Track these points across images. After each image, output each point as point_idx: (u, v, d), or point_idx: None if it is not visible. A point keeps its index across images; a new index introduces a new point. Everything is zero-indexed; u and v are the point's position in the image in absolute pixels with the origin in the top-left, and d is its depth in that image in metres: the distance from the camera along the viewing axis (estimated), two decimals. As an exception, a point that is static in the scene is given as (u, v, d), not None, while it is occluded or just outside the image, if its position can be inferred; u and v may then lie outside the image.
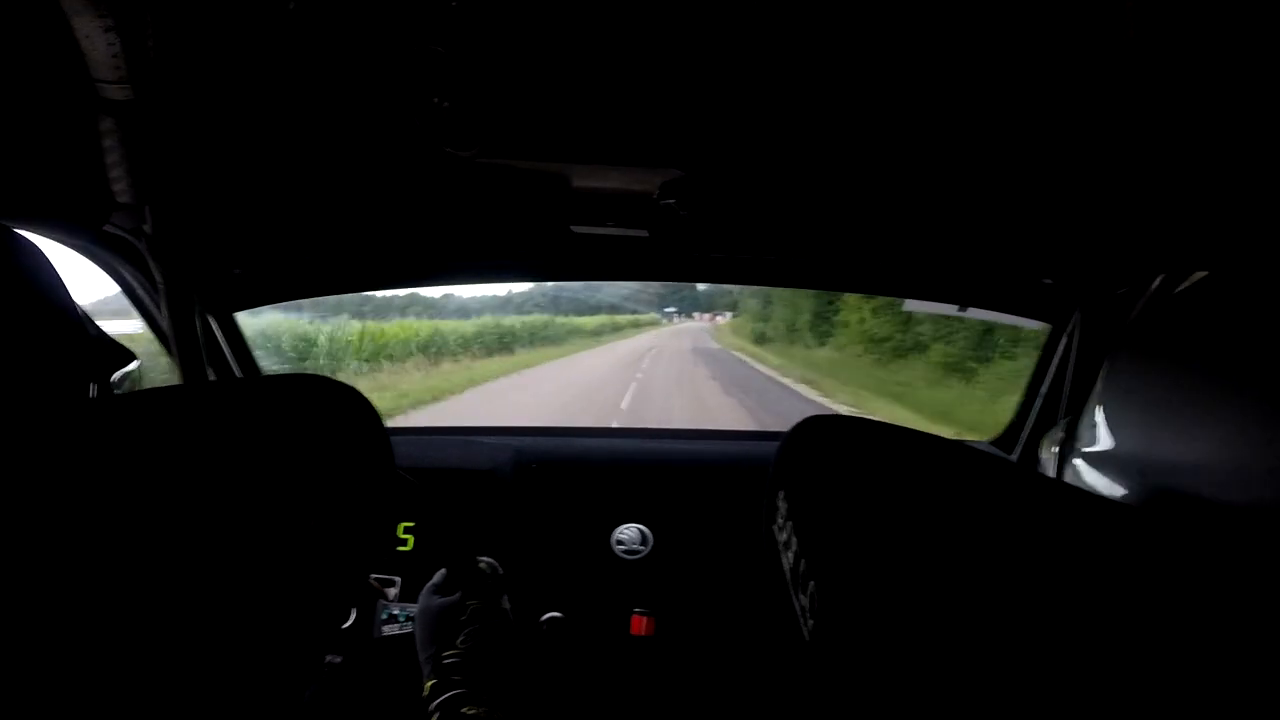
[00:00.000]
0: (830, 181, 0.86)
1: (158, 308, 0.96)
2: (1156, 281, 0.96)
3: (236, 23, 0.60)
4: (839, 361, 14.18)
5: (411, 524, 1.12)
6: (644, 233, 0.92)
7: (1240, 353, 0.32)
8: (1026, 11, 0.55)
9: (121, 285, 1.00)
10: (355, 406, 0.39)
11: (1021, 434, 1.30)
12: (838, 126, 0.74)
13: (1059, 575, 0.27)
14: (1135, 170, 0.74)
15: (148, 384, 0.82)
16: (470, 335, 15.91)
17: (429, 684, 0.70)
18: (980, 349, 9.49)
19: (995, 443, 1.39)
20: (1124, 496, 0.38)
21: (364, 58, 0.65)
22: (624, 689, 1.10)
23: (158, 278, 0.88)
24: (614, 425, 6.74)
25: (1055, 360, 1.21)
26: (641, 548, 1.15)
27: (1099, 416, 0.41)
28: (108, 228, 0.82)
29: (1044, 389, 1.24)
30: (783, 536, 0.35)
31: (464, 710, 0.65)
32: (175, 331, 0.92)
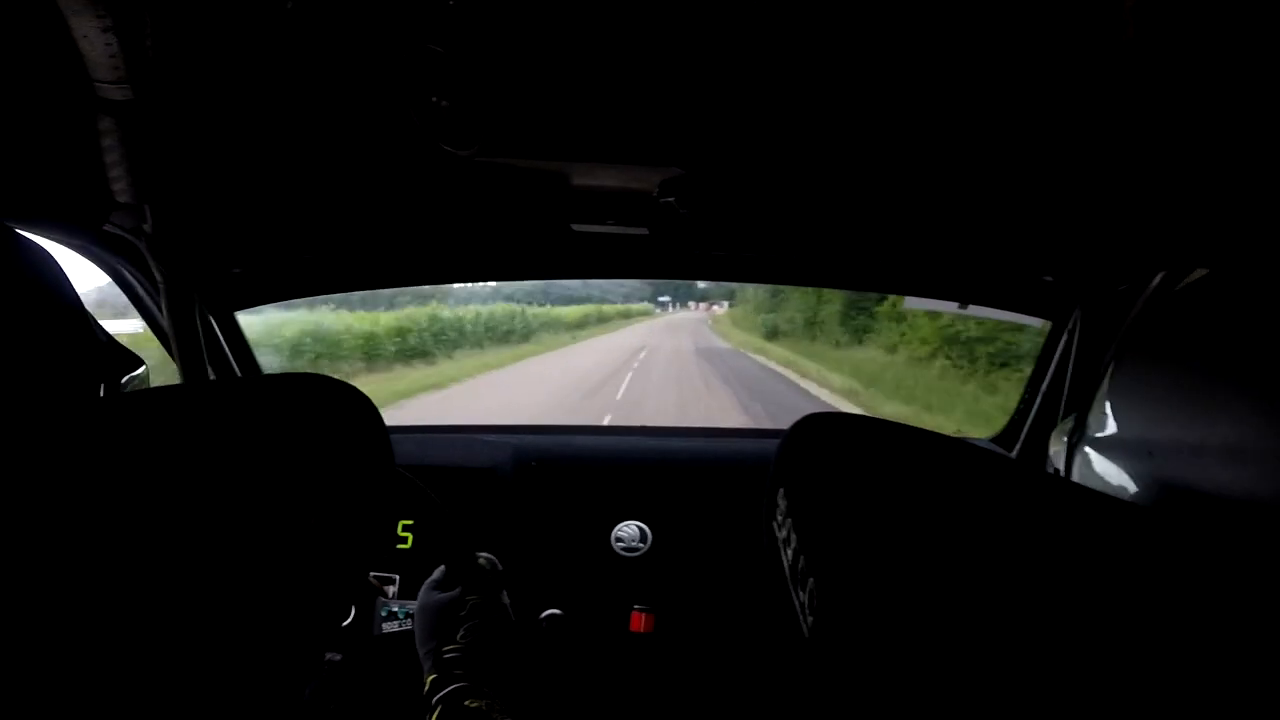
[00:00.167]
0: (830, 179, 0.86)
1: (158, 307, 0.96)
2: (1157, 279, 0.96)
3: (235, 22, 0.60)
4: (898, 369, 9.98)
5: (411, 522, 1.12)
6: (644, 231, 0.92)
7: (1243, 348, 0.33)
8: (1026, 9, 0.55)
9: (121, 285, 1.00)
10: (355, 405, 0.39)
11: (1022, 431, 1.31)
12: (837, 124, 0.74)
13: (1059, 572, 0.27)
14: (1135, 167, 0.74)
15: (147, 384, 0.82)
16: (382, 335, 10.95)
17: (430, 678, 0.70)
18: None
19: (995, 440, 1.40)
20: (1133, 485, 0.38)
21: (362, 56, 0.65)
22: (624, 686, 1.10)
23: (158, 277, 0.88)
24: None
25: (1056, 357, 1.21)
26: (641, 545, 1.15)
27: (1108, 408, 0.41)
28: (108, 227, 0.82)
29: (1044, 386, 1.24)
30: (782, 534, 0.35)
31: (466, 703, 0.65)
32: (176, 331, 0.93)
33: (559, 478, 1.19)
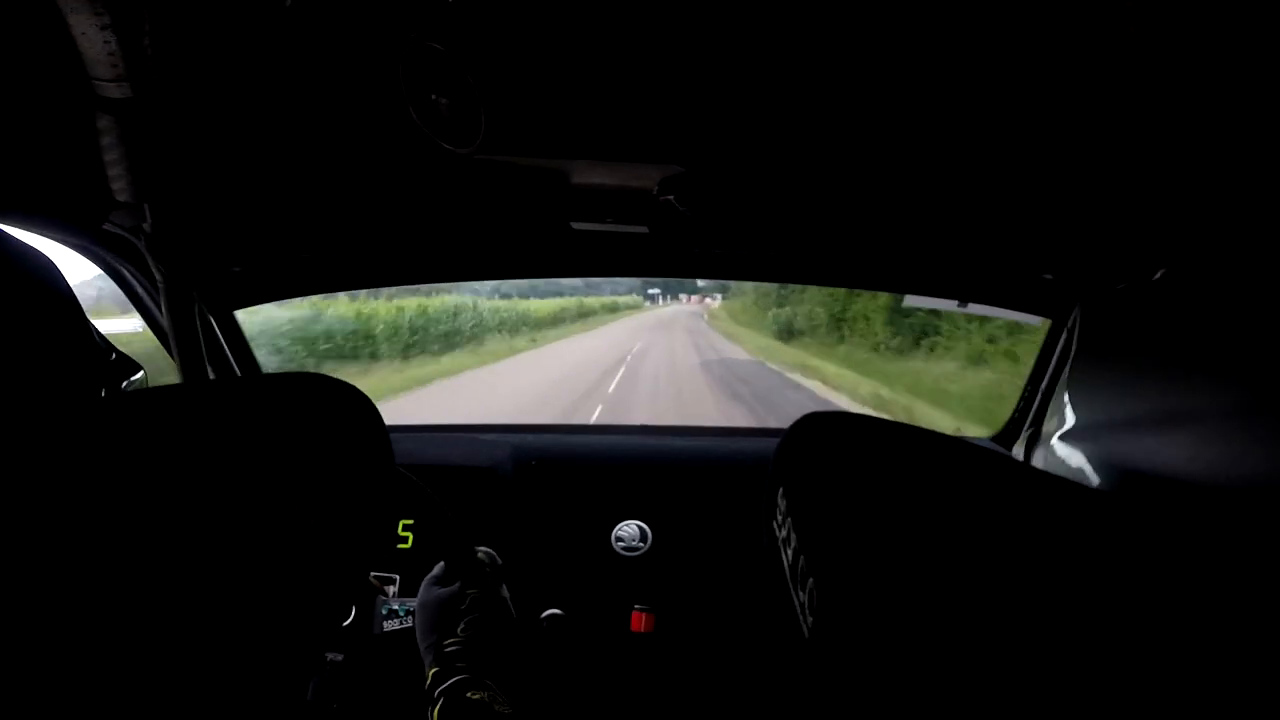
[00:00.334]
0: (830, 177, 0.86)
1: (157, 306, 0.96)
2: (1157, 276, 0.96)
3: (233, 20, 0.60)
4: (985, 386, 6.98)
5: (411, 521, 1.12)
6: (643, 229, 0.92)
7: (1189, 344, 0.34)
8: (1027, 8, 0.55)
9: (121, 284, 1.00)
10: (355, 405, 0.39)
11: (1021, 430, 1.30)
12: (837, 122, 0.74)
13: (1057, 570, 0.27)
14: (1135, 165, 0.74)
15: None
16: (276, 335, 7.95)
17: (431, 672, 0.71)
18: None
19: (995, 439, 1.40)
20: (1092, 470, 0.39)
21: (361, 54, 0.65)
22: (624, 685, 1.10)
23: (157, 276, 0.88)
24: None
25: (1055, 356, 1.21)
26: (641, 545, 1.15)
27: (1065, 399, 0.42)
28: (107, 226, 0.82)
29: (1044, 385, 1.24)
30: (782, 533, 0.35)
31: (467, 695, 0.65)
32: (175, 330, 0.92)
33: (559, 477, 1.19)
